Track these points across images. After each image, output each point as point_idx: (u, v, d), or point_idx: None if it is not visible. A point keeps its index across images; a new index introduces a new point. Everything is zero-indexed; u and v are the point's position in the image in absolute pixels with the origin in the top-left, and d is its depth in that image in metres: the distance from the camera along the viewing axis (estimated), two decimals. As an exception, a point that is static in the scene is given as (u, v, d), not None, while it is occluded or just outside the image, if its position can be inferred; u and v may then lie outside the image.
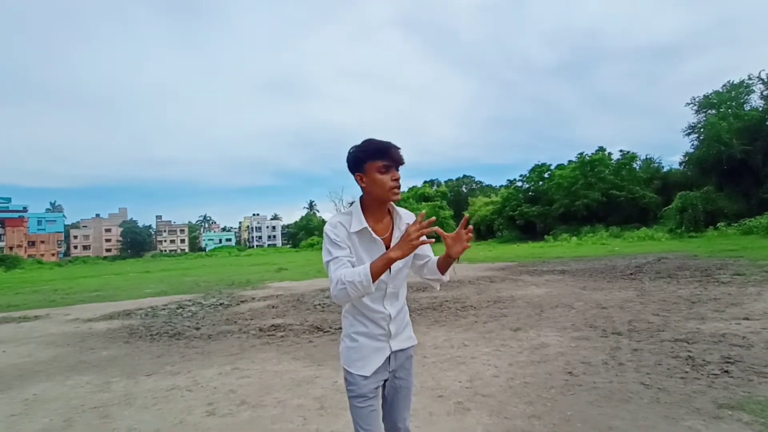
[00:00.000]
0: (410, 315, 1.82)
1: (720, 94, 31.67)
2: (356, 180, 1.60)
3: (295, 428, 2.99)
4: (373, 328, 1.67)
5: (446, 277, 1.70)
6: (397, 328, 1.69)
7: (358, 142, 1.60)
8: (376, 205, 1.62)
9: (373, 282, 1.47)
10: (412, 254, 1.59)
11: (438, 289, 1.81)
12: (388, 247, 1.60)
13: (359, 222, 1.59)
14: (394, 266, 1.59)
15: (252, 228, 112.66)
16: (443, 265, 1.68)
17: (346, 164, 1.61)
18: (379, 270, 1.47)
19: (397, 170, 1.57)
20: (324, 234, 1.61)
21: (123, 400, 3.72)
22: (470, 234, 1.58)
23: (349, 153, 1.59)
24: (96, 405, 3.62)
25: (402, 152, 1.58)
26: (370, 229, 1.60)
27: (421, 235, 1.45)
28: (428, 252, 1.77)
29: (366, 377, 1.65)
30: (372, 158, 1.55)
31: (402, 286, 1.71)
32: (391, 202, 1.66)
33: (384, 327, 1.66)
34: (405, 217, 1.71)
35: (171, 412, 3.40)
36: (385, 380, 1.72)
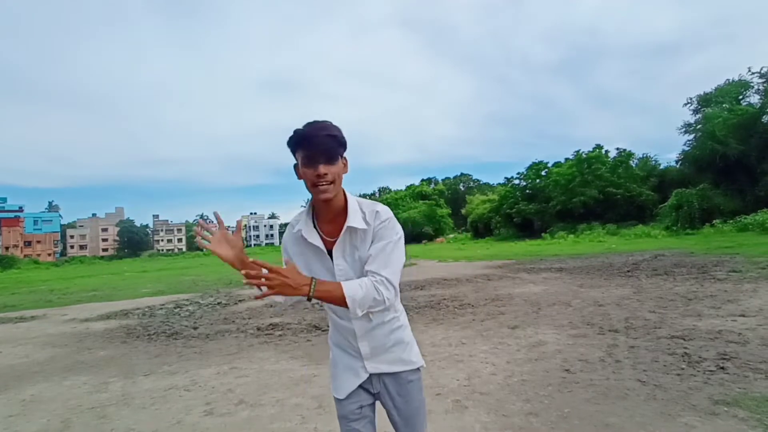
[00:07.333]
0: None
1: (718, 90, 31.77)
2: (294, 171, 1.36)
3: (293, 427, 2.99)
4: (341, 340, 1.47)
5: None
6: (373, 349, 1.42)
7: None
8: (318, 203, 1.34)
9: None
10: (360, 259, 1.34)
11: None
12: (330, 252, 1.36)
13: (303, 221, 1.40)
14: (338, 271, 1.35)
15: (249, 227, 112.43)
16: None
17: None
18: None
19: (326, 163, 1.25)
20: None
21: (120, 400, 3.71)
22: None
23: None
24: (93, 405, 3.61)
25: (335, 137, 1.26)
26: (302, 231, 1.38)
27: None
28: (372, 252, 1.33)
29: (340, 399, 1.45)
30: (296, 147, 1.29)
31: None
32: (349, 194, 1.38)
33: (352, 342, 1.43)
34: (358, 213, 1.35)
35: (169, 412, 3.39)
36: (374, 401, 1.48)
